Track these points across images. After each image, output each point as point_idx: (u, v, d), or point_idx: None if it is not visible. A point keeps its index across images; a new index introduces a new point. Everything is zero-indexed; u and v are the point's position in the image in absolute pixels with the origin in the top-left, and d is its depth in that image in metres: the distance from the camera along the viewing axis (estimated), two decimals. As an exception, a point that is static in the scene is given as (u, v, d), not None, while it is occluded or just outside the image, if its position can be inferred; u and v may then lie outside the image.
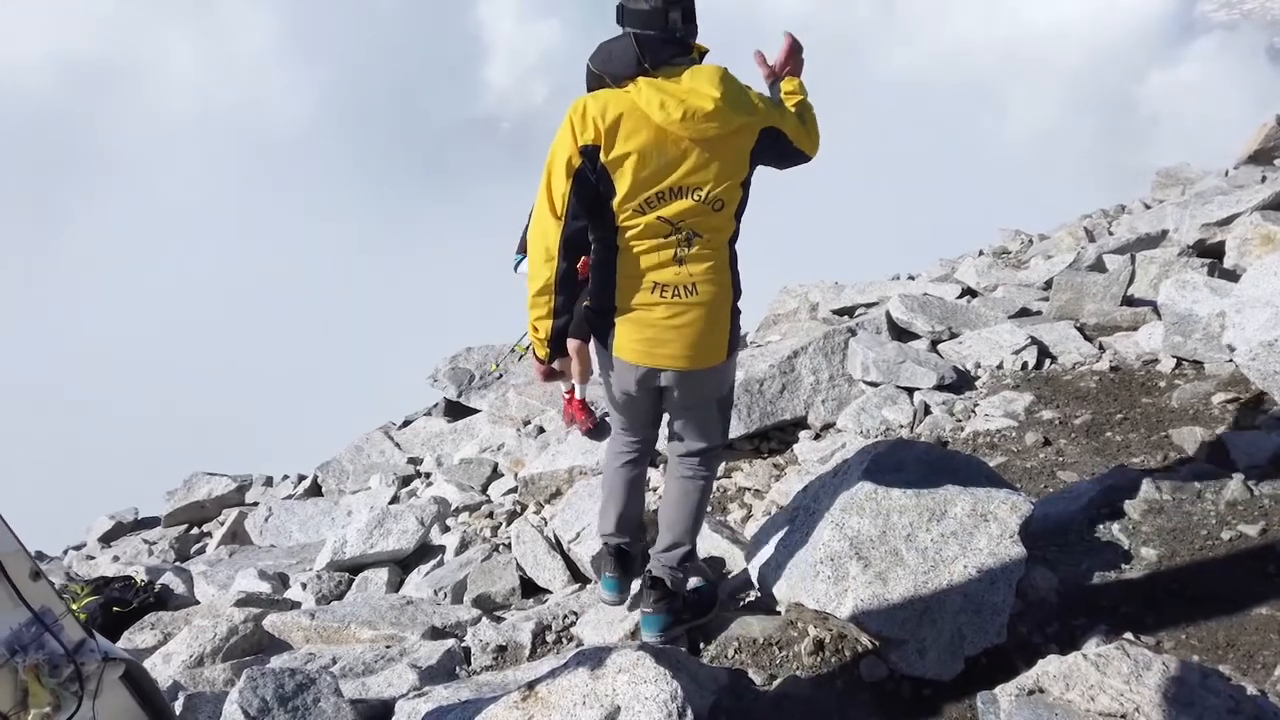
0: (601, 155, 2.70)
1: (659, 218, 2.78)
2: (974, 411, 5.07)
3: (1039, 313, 6.89)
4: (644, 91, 2.67)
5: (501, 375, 5.49)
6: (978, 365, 5.77)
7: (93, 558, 9.44)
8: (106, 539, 10.21)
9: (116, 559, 8.77)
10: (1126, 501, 3.65)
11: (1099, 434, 4.50)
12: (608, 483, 3.52)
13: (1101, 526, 3.54)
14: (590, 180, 2.73)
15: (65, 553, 10.38)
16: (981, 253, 12.49)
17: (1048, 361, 5.64)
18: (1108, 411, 4.72)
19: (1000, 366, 5.66)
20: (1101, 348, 5.70)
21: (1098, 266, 7.65)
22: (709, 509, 4.83)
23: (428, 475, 7.66)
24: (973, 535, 3.10)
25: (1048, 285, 7.55)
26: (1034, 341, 5.78)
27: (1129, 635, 2.85)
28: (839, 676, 3.02)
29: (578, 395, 6.14)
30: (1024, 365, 5.60)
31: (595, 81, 2.80)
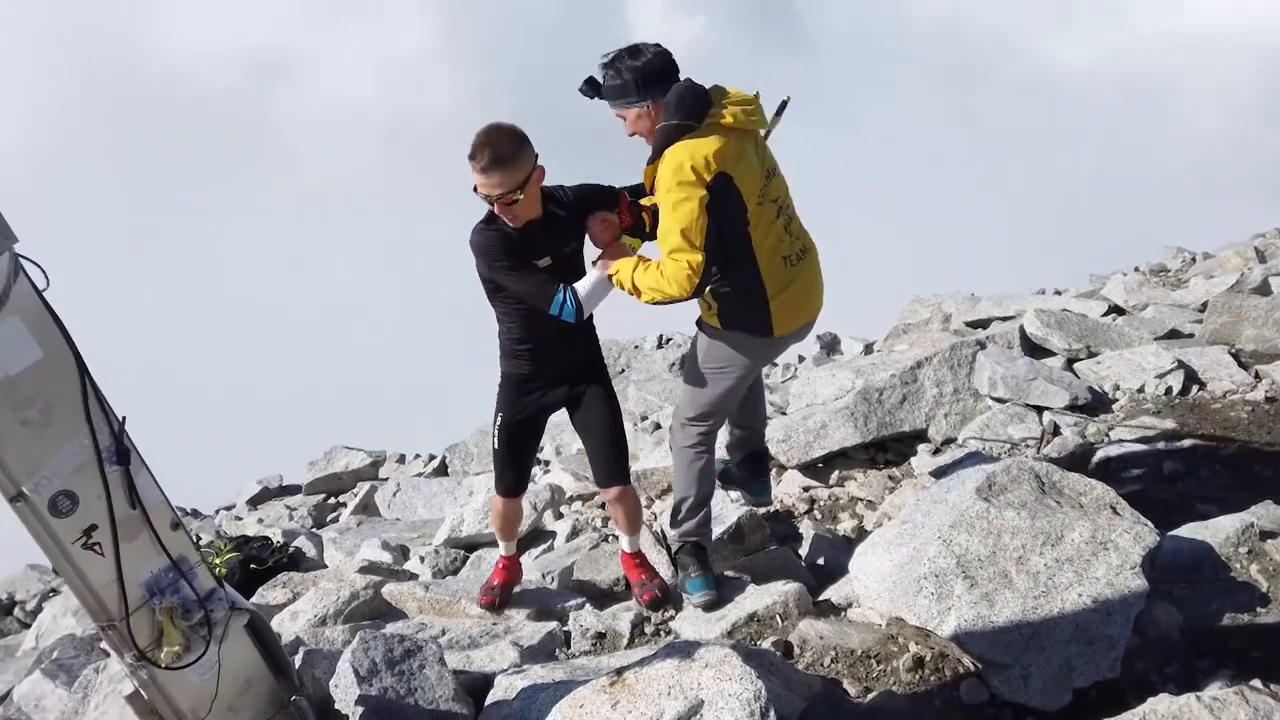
0: (730, 171, 3.08)
1: (770, 201, 3.27)
2: (1107, 435, 4.82)
3: (1191, 335, 6.46)
4: (729, 114, 3.12)
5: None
6: (1117, 387, 5.47)
7: (240, 519, 10.17)
8: (254, 502, 10.98)
9: (261, 521, 9.41)
10: (1269, 541, 3.40)
11: (1246, 467, 4.20)
12: (692, 478, 3.68)
13: (1238, 566, 3.31)
14: (718, 207, 3.08)
15: (217, 512, 11.23)
16: (1138, 269, 11.77)
17: (1195, 388, 5.29)
18: (1258, 444, 4.40)
19: (1141, 390, 5.35)
20: (1258, 376, 5.29)
21: (1262, 289, 7.10)
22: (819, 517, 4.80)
23: (546, 463, 7.86)
24: (1090, 563, 2.97)
25: (1204, 307, 7.06)
26: (1181, 365, 5.43)
27: (1256, 682, 2.66)
28: (937, 696, 2.95)
29: None
30: (1168, 390, 5.27)
31: (678, 133, 3.10)
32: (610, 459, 3.72)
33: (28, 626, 6.89)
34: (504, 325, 3.59)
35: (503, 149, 3.12)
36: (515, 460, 3.81)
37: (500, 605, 4.07)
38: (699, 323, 3.62)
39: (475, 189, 3.20)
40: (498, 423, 3.72)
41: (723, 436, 4.14)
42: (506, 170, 3.12)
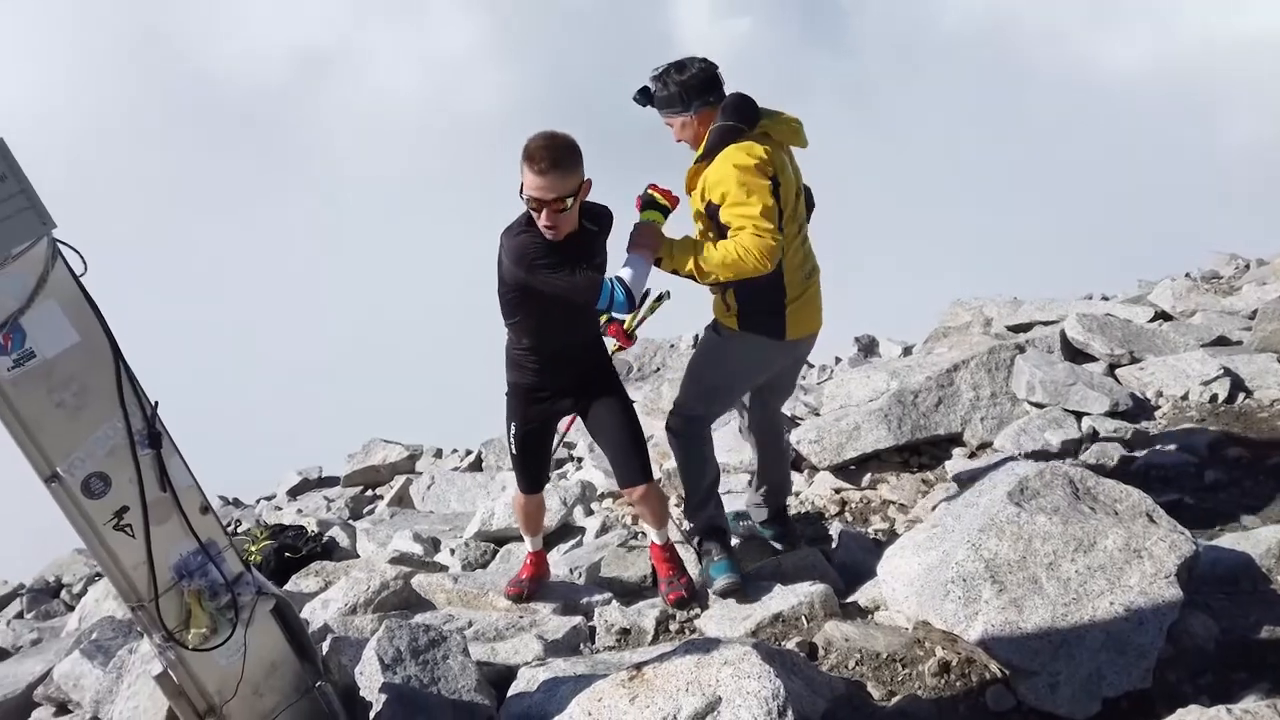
0: (779, 177, 3.33)
1: (794, 219, 3.49)
2: (1148, 442, 4.71)
3: (1239, 343, 6.30)
4: (778, 125, 3.44)
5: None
6: (1160, 394, 5.35)
7: (280, 508, 10.34)
8: (293, 493, 11.14)
9: (300, 511, 9.54)
10: (1314, 554, 3.30)
11: (1293, 478, 4.08)
12: (700, 463, 3.86)
13: (1279, 578, 3.22)
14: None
15: (257, 502, 11.43)
16: (1189, 275, 11.46)
17: (1242, 395, 5.16)
18: (1306, 455, 4.27)
19: (1185, 397, 5.23)
20: (1308, 385, 5.15)
21: (1316, 296, 6.90)
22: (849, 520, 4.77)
23: (579, 460, 7.89)
24: (1123, 571, 2.91)
25: (1254, 315, 6.88)
26: (1227, 373, 5.30)
27: (1294, 698, 2.59)
28: (962, 701, 2.91)
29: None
30: (1213, 397, 5.14)
31: (733, 134, 3.33)
32: (628, 461, 3.69)
33: (73, 609, 7.06)
34: (514, 334, 3.54)
35: (560, 155, 3.05)
36: (532, 463, 3.89)
37: (527, 597, 4.10)
38: (714, 324, 3.75)
39: (521, 192, 3.11)
40: (511, 431, 3.75)
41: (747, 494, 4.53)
42: (563, 176, 3.05)
